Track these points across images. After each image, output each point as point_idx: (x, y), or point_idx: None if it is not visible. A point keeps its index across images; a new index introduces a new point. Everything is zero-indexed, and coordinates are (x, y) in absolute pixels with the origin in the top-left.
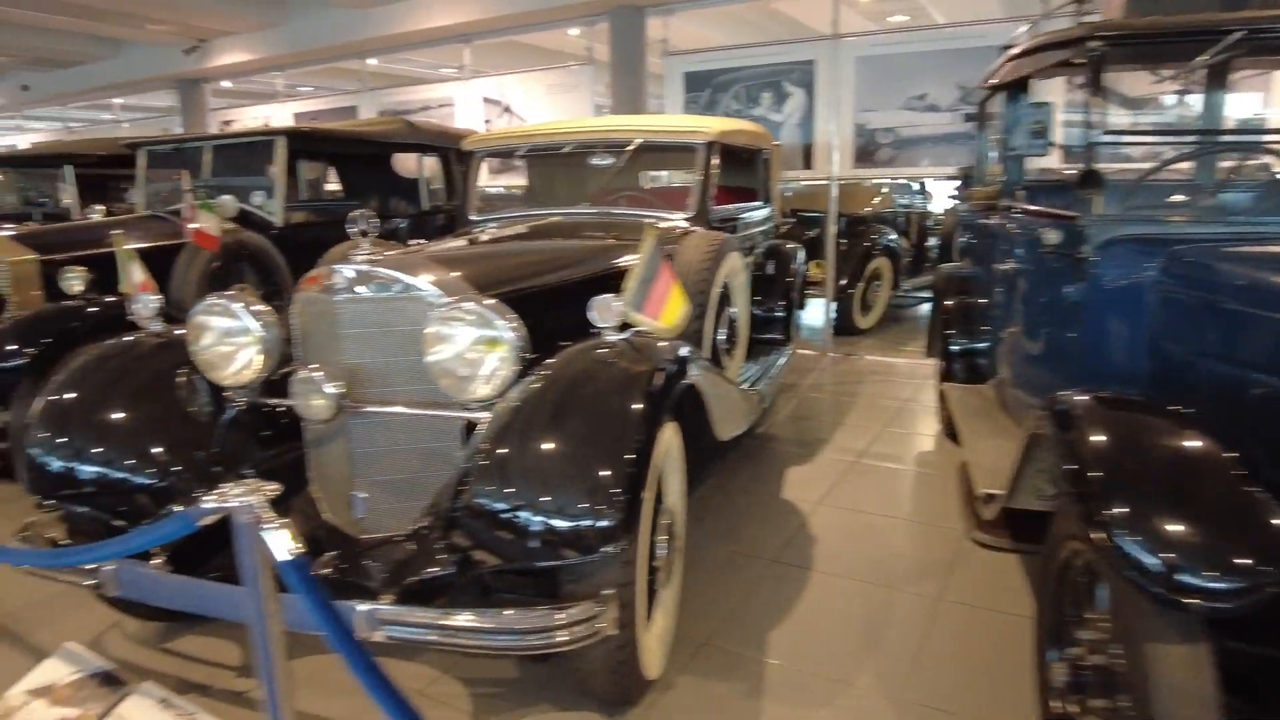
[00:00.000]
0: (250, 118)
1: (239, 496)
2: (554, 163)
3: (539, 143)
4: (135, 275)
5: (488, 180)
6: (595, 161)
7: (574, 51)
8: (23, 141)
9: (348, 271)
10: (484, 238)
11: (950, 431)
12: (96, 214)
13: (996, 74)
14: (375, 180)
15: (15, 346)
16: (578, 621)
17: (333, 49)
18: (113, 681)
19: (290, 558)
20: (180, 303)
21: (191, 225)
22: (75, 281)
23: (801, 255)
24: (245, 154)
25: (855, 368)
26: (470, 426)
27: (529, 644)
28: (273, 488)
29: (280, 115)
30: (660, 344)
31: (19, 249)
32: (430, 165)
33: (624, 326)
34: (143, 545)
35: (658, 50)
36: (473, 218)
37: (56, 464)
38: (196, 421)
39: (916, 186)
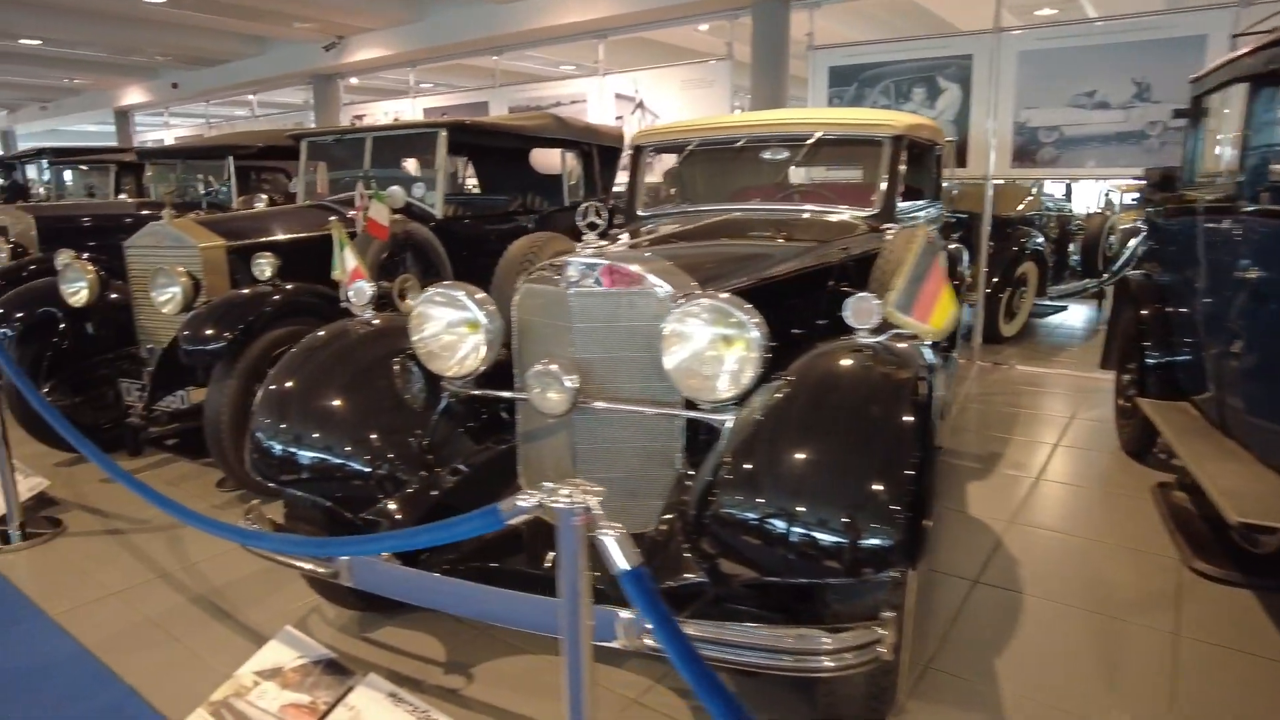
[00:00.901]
0: (381, 113)
1: (567, 497)
2: (715, 157)
3: (712, 136)
4: (349, 262)
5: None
6: (769, 156)
7: (701, 48)
8: (169, 137)
9: (582, 263)
10: (664, 233)
11: (1134, 450)
12: (261, 203)
13: (1229, 67)
14: (513, 176)
15: (213, 330)
16: (853, 647)
17: (467, 44)
18: (338, 670)
19: (630, 567)
20: None
21: (356, 214)
22: (266, 267)
23: (966, 257)
24: (405, 147)
25: (1007, 378)
26: (696, 427)
27: (796, 665)
28: (598, 490)
29: (409, 111)
30: (913, 349)
31: (210, 235)
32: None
33: (880, 328)
34: (435, 540)
35: (797, 46)
36: (641, 213)
37: (278, 449)
38: (412, 410)
39: (1061, 189)
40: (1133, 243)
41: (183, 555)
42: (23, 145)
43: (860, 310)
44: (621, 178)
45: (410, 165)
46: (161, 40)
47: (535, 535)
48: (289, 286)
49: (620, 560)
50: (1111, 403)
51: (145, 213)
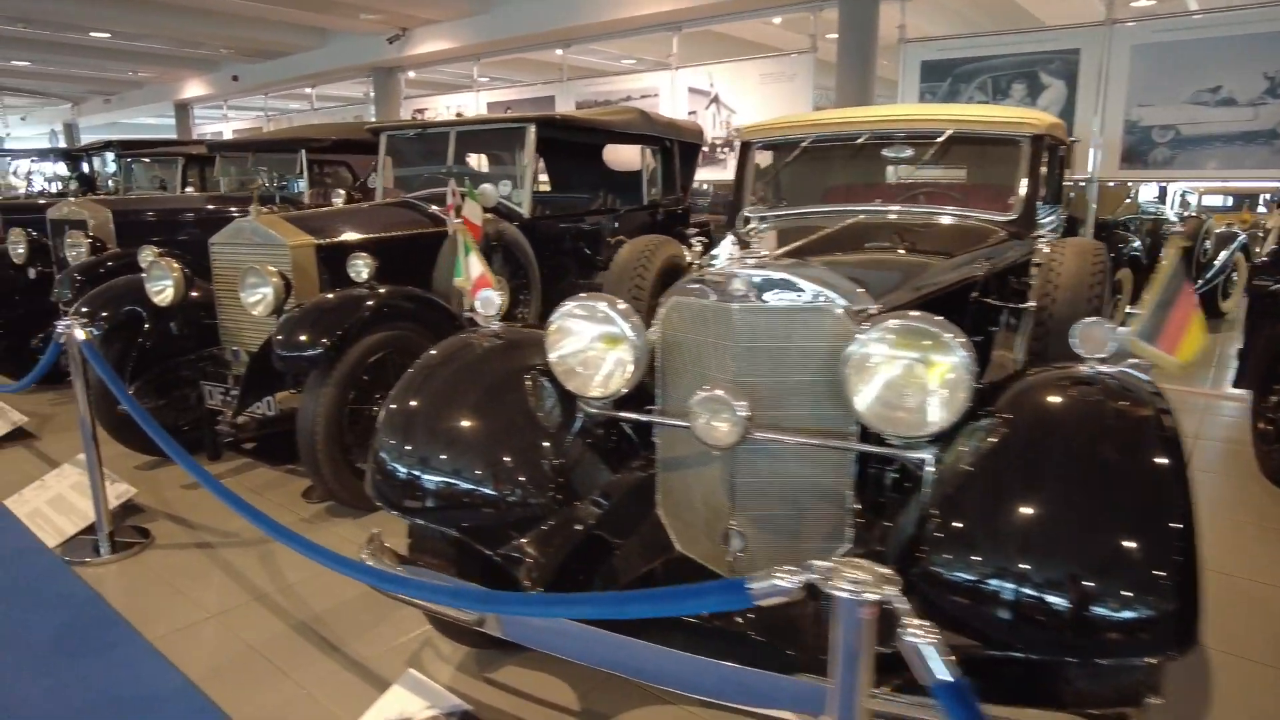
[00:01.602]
0: (443, 107)
1: (852, 583)
2: (825, 155)
3: (828, 132)
4: (474, 268)
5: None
6: (890, 154)
7: (772, 43)
8: (227, 130)
9: (749, 276)
10: (802, 239)
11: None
12: (338, 199)
13: None
14: (586, 173)
15: (310, 335)
16: None
17: (534, 37)
18: None
19: (953, 679)
20: (443, 295)
21: (447, 213)
22: (363, 269)
23: None
24: (491, 141)
25: None
26: (866, 460)
27: None
28: (892, 577)
29: (472, 105)
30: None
31: (299, 233)
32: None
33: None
34: (655, 612)
35: (882, 40)
36: (748, 214)
37: (402, 472)
38: (546, 433)
39: (1156, 191)
40: (1225, 252)
41: (277, 574)
42: (85, 138)
43: (1091, 337)
44: (702, 174)
45: (474, 160)
46: (225, 33)
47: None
48: (383, 290)
49: (940, 671)
50: (1246, 424)
51: (212, 207)
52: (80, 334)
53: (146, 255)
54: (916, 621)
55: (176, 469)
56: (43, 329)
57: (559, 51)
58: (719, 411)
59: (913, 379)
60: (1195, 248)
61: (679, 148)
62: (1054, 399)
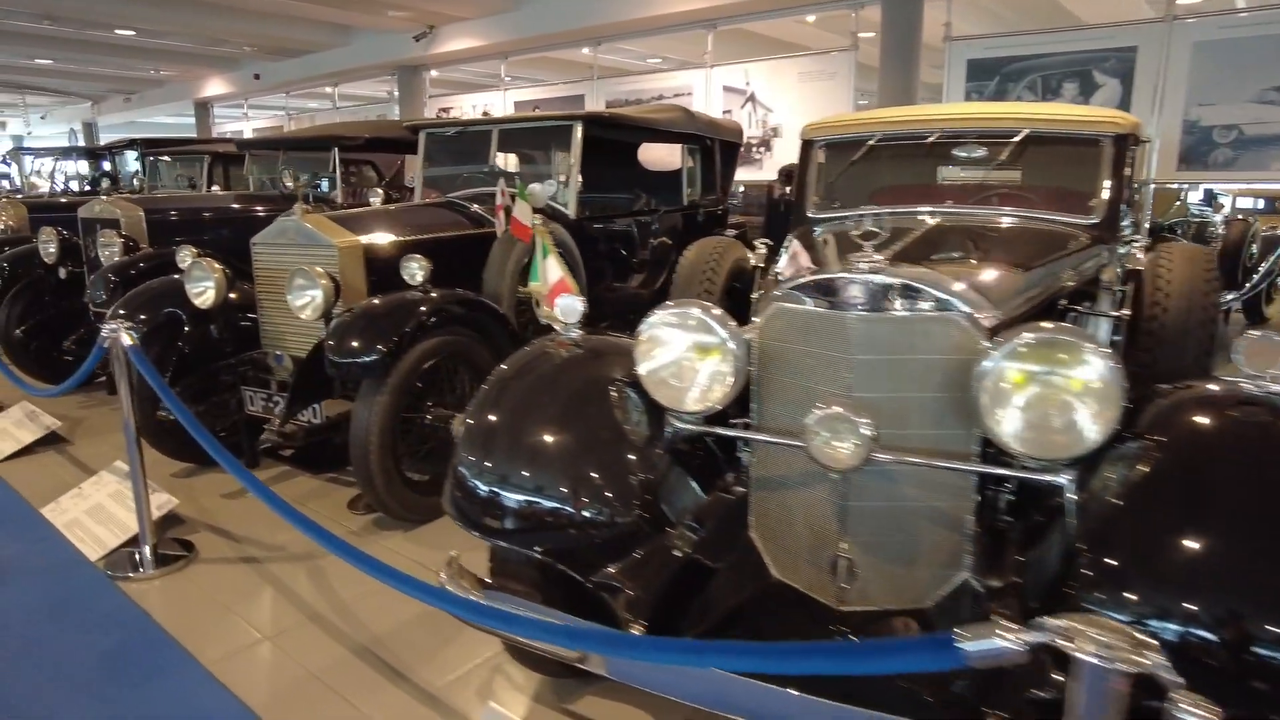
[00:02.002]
0: (469, 106)
1: (1102, 646)
2: (885, 154)
3: (896, 130)
4: (551, 272)
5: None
6: (961, 154)
7: (803, 42)
8: (247, 129)
9: (869, 282)
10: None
11: None
12: (376, 199)
13: None
14: (621, 173)
15: (365, 341)
16: None
17: (565, 35)
18: None
19: None
20: (495, 298)
21: (496, 214)
22: (417, 271)
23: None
24: (536, 139)
25: None
26: (985, 481)
27: None
28: (1151, 644)
29: (499, 104)
30: None
31: (345, 233)
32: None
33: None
34: (847, 670)
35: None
36: (812, 215)
37: (482, 490)
38: (635, 450)
39: (1202, 194)
40: (1272, 255)
41: (330, 591)
42: (103, 137)
43: (1261, 351)
44: (742, 175)
45: (502, 159)
46: (249, 29)
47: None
48: (438, 294)
49: None
50: None
51: (245, 206)
52: (127, 339)
53: (185, 255)
54: (1192, 698)
55: (214, 477)
56: (75, 331)
57: (585, 50)
58: (840, 431)
59: (1058, 396)
60: (1242, 251)
61: (719, 147)
62: (1213, 420)
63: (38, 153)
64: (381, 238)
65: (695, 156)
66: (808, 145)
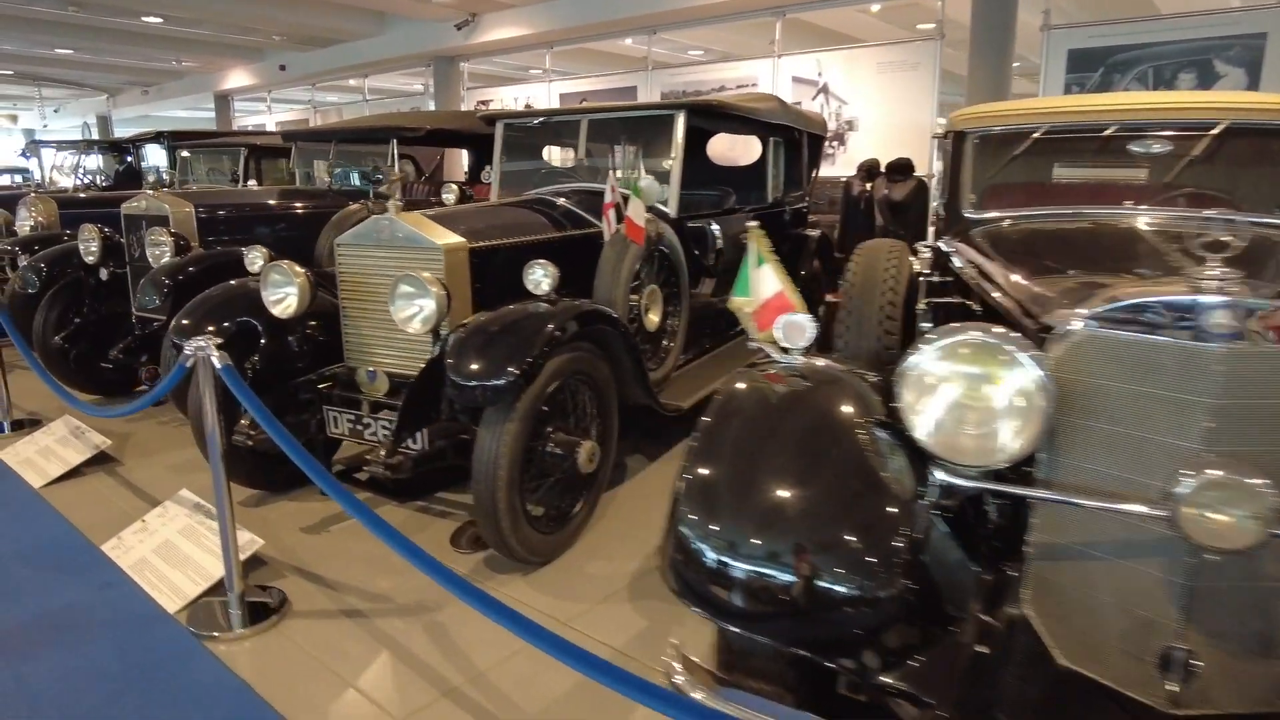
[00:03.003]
0: (511, 99)
1: None
2: (1046, 148)
3: (1068, 121)
4: (766, 284)
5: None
6: (1139, 149)
7: (859, 34)
8: (270, 122)
9: (1233, 306)
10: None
11: None
12: (450, 195)
13: None
14: (693, 169)
15: (492, 362)
16: None
17: (618, 23)
18: None
19: None
20: (608, 307)
21: (605, 213)
22: (544, 278)
23: None
24: (631, 130)
25: None
26: None
27: None
28: None
29: (544, 97)
30: None
31: (449, 233)
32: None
33: None
34: None
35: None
36: (970, 214)
37: (709, 560)
38: (891, 506)
39: None
40: None
41: (458, 655)
42: (118, 131)
43: None
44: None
45: (558, 155)
46: (280, 17)
47: None
48: (567, 304)
49: None
50: None
51: (299, 202)
52: (218, 358)
53: (256, 257)
54: None
55: (287, 507)
56: (116, 337)
57: (628, 41)
58: (1228, 501)
59: None
60: None
61: (806, 140)
62: None
63: (59, 145)
64: (484, 240)
65: (779, 150)
66: (960, 137)
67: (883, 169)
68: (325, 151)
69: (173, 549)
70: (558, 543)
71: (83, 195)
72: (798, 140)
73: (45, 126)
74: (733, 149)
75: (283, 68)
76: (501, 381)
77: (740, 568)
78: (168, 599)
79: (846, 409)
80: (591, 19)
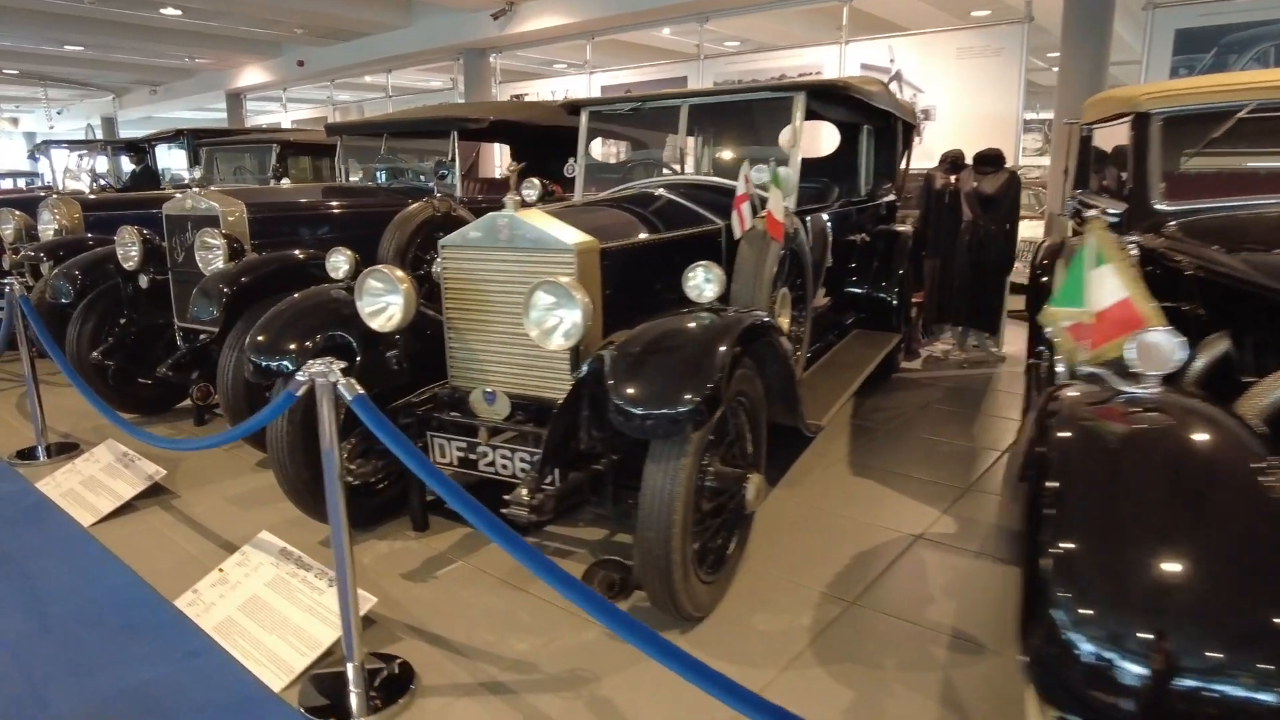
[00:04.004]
0: (548, 92)
1: None
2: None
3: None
4: (1109, 290)
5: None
6: None
7: (903, 22)
8: (286, 120)
9: None
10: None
11: None
12: (532, 190)
13: None
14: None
15: (663, 387)
16: None
17: (665, 11)
18: None
19: None
20: None
21: (736, 206)
22: (709, 284)
23: None
24: (738, 116)
25: None
26: None
27: None
28: None
29: (584, 90)
30: None
31: (576, 231)
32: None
33: None
34: None
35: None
36: (1163, 206)
37: (1091, 654)
38: None
39: None
40: None
41: None
42: (122, 133)
43: None
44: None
45: (596, 150)
46: (303, 8)
47: None
48: (736, 316)
49: None
50: None
51: (325, 201)
52: (345, 385)
53: (340, 261)
54: None
55: (380, 550)
56: (161, 351)
57: (665, 31)
58: None
59: None
60: None
61: (904, 128)
62: None
63: (71, 145)
64: (612, 239)
65: (870, 138)
66: (1142, 120)
67: (967, 160)
68: (370, 147)
69: (263, 607)
70: (716, 592)
71: (105, 197)
72: (893, 128)
73: (51, 129)
74: (807, 139)
75: (301, 63)
76: (681, 410)
77: (1135, 671)
78: (270, 674)
79: (1234, 455)
80: (640, 6)
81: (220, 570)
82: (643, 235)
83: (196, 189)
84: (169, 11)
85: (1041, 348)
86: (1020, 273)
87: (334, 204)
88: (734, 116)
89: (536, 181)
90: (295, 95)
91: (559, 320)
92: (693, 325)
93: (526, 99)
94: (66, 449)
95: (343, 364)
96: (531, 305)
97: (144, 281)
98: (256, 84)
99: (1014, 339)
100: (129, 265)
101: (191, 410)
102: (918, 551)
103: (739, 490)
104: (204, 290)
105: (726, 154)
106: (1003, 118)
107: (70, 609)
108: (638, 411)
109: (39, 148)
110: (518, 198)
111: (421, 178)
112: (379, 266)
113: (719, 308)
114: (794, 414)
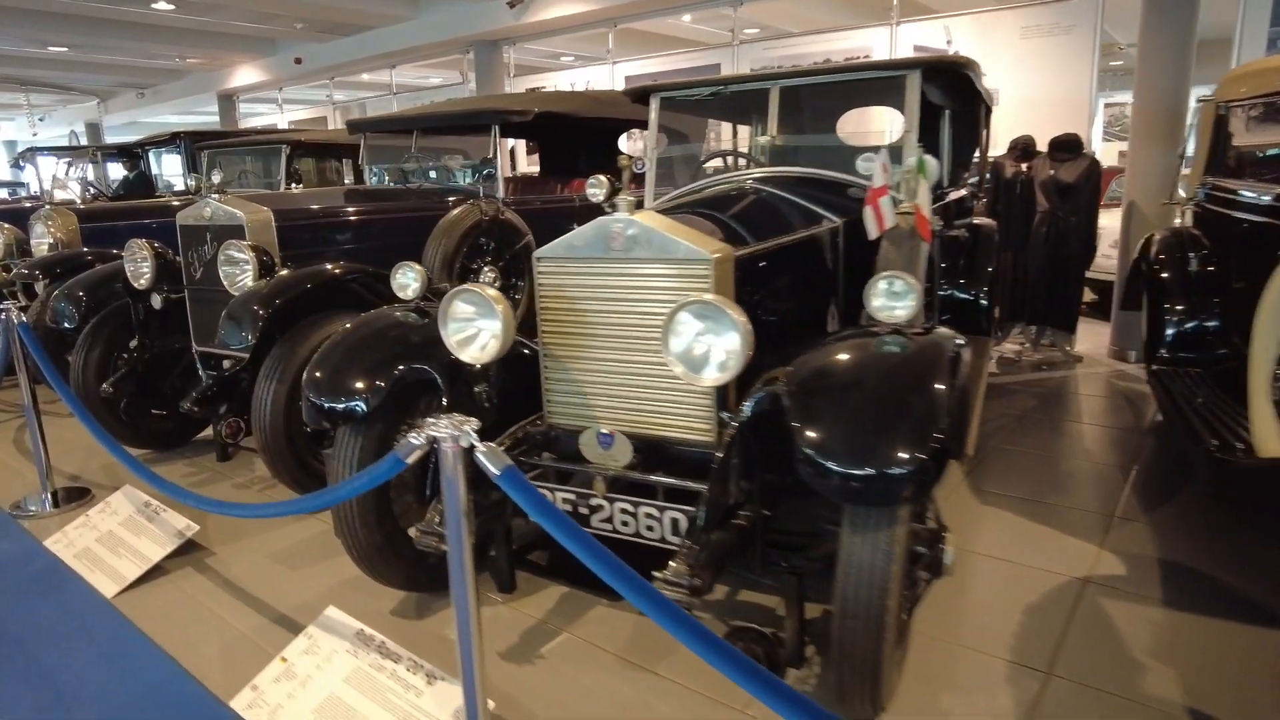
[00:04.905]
0: (568, 84)
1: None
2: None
3: None
4: None
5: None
6: None
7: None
8: (282, 122)
9: None
10: None
11: None
12: (599, 189)
13: None
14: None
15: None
16: None
17: None
18: None
19: None
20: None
21: (871, 202)
22: (902, 303)
23: None
24: (839, 98)
25: None
26: None
27: None
28: None
29: (607, 81)
30: None
31: (705, 237)
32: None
33: None
34: None
35: None
36: None
37: None
38: None
39: None
40: None
41: None
42: (108, 139)
43: None
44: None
45: (629, 146)
46: (303, 0)
47: None
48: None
49: None
50: None
51: (356, 206)
52: (488, 452)
53: (410, 278)
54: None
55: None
56: (183, 379)
57: (686, 18)
58: None
59: None
60: None
61: (986, 113)
62: None
63: (58, 152)
64: (743, 245)
65: (950, 125)
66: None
67: (1038, 147)
68: (393, 147)
69: (344, 712)
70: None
71: (102, 207)
72: (974, 112)
73: (35, 135)
74: (860, 124)
75: (298, 60)
76: (901, 472)
77: None
78: None
79: None
80: None
81: (283, 660)
82: (774, 240)
83: (215, 195)
84: (161, 6)
85: (1163, 351)
86: (1100, 268)
87: (366, 210)
88: (831, 99)
89: (603, 179)
90: (290, 96)
91: (709, 348)
92: (886, 353)
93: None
94: (75, 495)
95: (475, 421)
96: (673, 330)
97: (157, 301)
98: (250, 84)
99: (1087, 337)
100: (140, 284)
101: (214, 443)
102: (1093, 600)
103: (938, 551)
104: (235, 313)
105: (818, 142)
106: (1074, 100)
107: (101, 714)
108: (837, 469)
109: (24, 155)
110: (630, 198)
111: (457, 177)
112: (468, 285)
113: (908, 330)
114: (960, 444)
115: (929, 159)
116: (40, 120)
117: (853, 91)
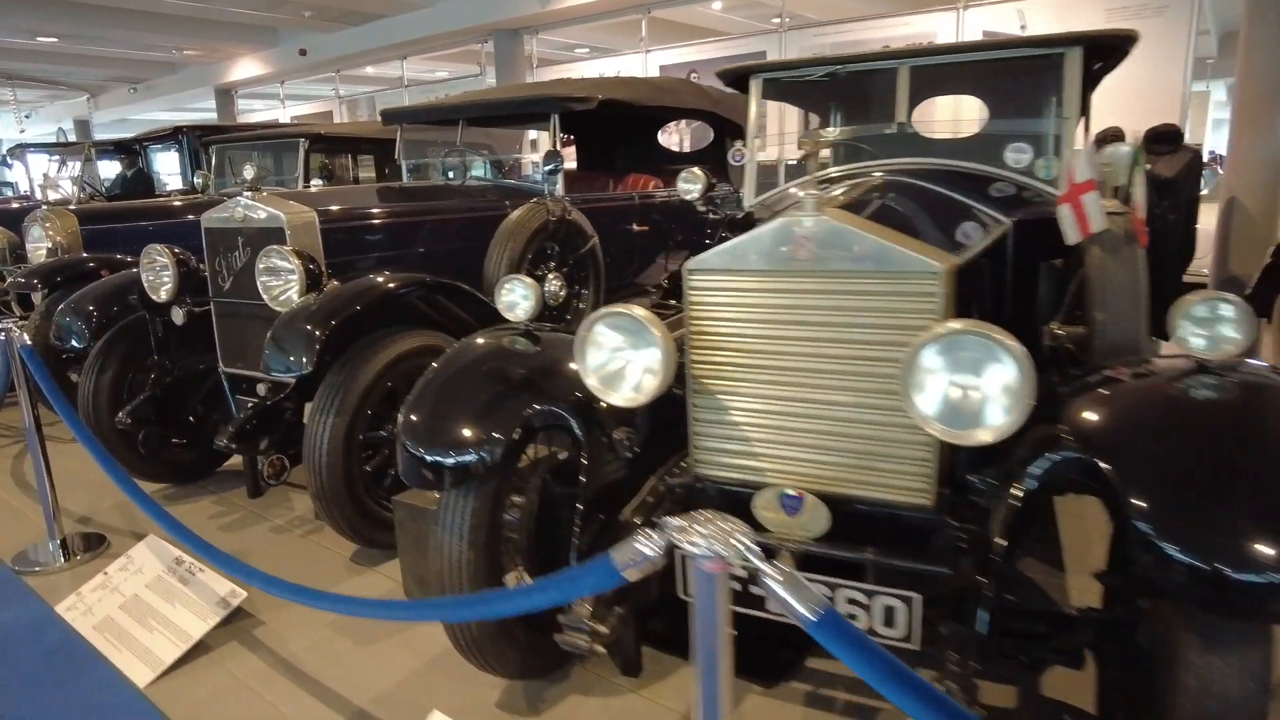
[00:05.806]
0: (594, 73)
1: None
2: None
3: None
4: None
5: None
6: None
7: None
8: (283, 117)
9: None
10: None
11: None
12: (694, 184)
13: None
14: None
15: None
16: None
17: None
18: None
19: None
20: (1130, 347)
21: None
22: (1231, 325)
23: None
24: (965, 83)
25: None
26: None
27: None
28: None
29: (638, 69)
30: None
31: (928, 246)
32: None
33: None
34: None
35: None
36: None
37: None
38: None
39: None
40: None
41: None
42: (97, 136)
43: None
44: None
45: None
46: None
47: None
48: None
49: None
50: None
51: (406, 207)
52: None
53: (520, 294)
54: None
55: (581, 703)
56: (207, 404)
57: (716, 6)
58: None
59: None
60: None
61: None
62: None
63: (50, 149)
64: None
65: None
66: None
67: (1127, 140)
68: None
69: None
70: None
71: (103, 208)
72: (1088, 99)
73: (22, 133)
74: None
75: (303, 52)
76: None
77: None
78: None
79: None
80: None
81: None
82: (978, 245)
83: (249, 193)
84: None
85: None
86: (1193, 272)
87: (416, 211)
88: (968, 82)
89: (699, 172)
90: (291, 91)
91: (979, 393)
92: (1222, 401)
93: None
94: (89, 543)
95: (746, 529)
96: (912, 368)
97: (178, 316)
98: (250, 77)
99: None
100: (160, 296)
101: (242, 474)
102: None
103: None
104: (283, 334)
105: (955, 130)
106: (1166, 89)
107: None
108: (1202, 565)
109: (13, 152)
110: (816, 194)
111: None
112: (616, 307)
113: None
114: None
115: (1124, 150)
116: (27, 117)
117: (993, 73)
